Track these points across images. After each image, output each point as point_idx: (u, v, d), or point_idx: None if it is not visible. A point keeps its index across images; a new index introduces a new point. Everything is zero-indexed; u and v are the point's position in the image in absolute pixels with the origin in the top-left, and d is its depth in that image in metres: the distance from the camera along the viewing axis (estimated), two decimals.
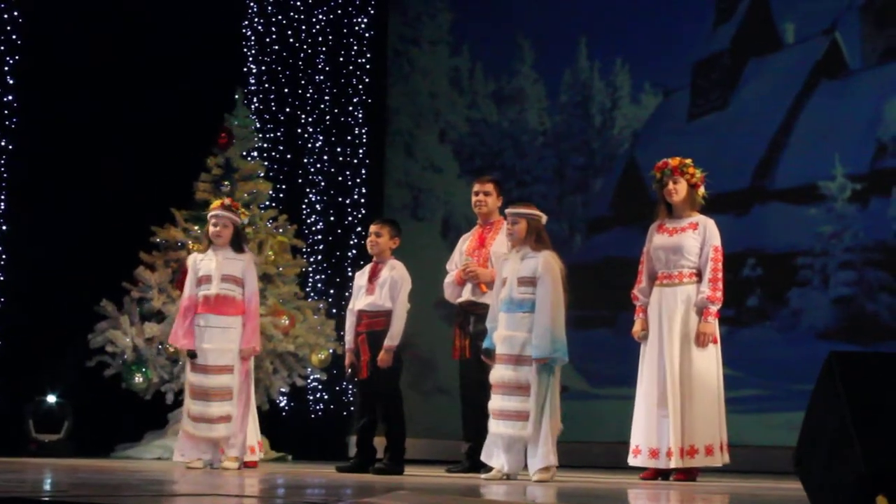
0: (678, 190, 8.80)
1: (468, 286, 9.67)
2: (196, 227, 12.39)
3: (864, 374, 5.44)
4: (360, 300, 9.58)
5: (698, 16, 13.07)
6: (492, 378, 8.40)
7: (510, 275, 8.40)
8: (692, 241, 8.72)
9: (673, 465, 8.45)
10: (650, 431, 8.61)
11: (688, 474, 8.57)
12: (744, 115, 12.63)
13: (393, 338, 9.38)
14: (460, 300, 9.76)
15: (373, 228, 9.69)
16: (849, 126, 11.91)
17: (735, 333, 12.11)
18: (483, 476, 8.43)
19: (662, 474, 8.64)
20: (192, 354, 9.59)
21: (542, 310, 8.21)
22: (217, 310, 9.58)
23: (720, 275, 8.67)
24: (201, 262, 9.73)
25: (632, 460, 8.71)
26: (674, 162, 8.81)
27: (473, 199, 9.86)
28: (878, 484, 5.14)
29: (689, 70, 13.07)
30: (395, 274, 9.49)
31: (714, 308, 8.61)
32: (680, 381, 8.55)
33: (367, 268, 9.70)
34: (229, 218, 9.75)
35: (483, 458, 8.49)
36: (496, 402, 8.32)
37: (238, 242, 9.78)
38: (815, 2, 12.28)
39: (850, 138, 11.89)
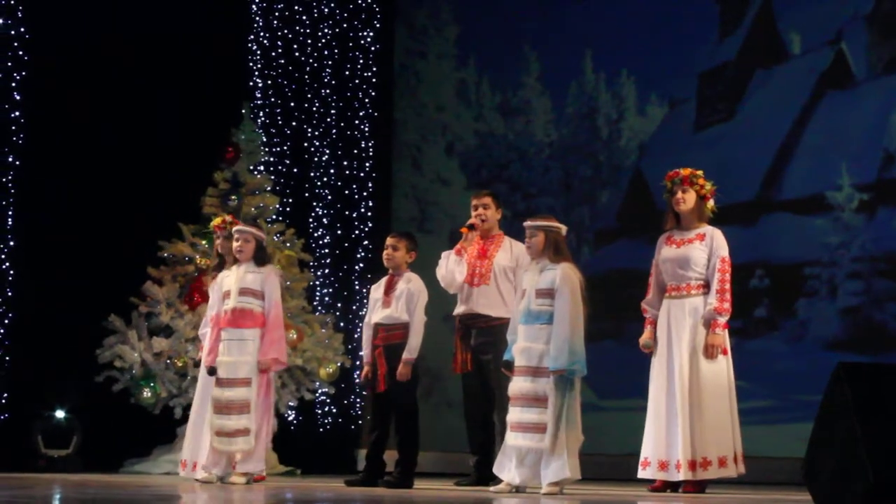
0: (686, 199, 8.79)
1: (472, 298, 9.66)
2: (203, 242, 12.40)
3: (872, 385, 5.45)
4: (376, 313, 9.55)
5: (704, 27, 13.07)
6: (510, 390, 8.38)
7: (529, 286, 8.39)
8: (699, 253, 8.71)
9: (682, 477, 8.44)
10: (659, 444, 8.60)
11: (697, 486, 8.55)
12: (750, 126, 12.63)
13: (412, 351, 9.37)
14: (460, 312, 9.77)
15: (389, 241, 9.66)
16: (855, 136, 11.91)
17: (743, 344, 12.09)
18: (492, 489, 8.43)
19: (672, 486, 8.62)
20: (211, 371, 9.64)
21: (561, 321, 8.20)
22: (235, 323, 9.62)
23: (728, 286, 8.65)
24: (225, 279, 9.80)
25: (641, 473, 8.70)
26: (685, 172, 8.82)
27: (473, 213, 9.87)
28: (887, 494, 5.14)
29: (695, 81, 13.08)
30: (412, 286, 9.47)
31: (722, 319, 8.60)
32: (689, 393, 8.54)
33: (383, 280, 9.66)
34: (251, 233, 9.81)
35: (495, 469, 8.47)
36: (514, 415, 8.30)
37: (261, 257, 9.81)
38: (820, 12, 12.28)
39: (856, 148, 11.89)
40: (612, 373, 12.20)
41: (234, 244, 9.77)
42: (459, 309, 9.82)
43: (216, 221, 10.29)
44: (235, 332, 9.61)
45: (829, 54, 12.19)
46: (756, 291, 12.25)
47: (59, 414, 12.50)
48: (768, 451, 11.45)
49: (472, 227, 9.79)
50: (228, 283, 9.74)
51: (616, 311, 12.25)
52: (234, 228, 9.91)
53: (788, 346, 12.06)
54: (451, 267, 9.73)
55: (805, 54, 12.39)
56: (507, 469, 8.32)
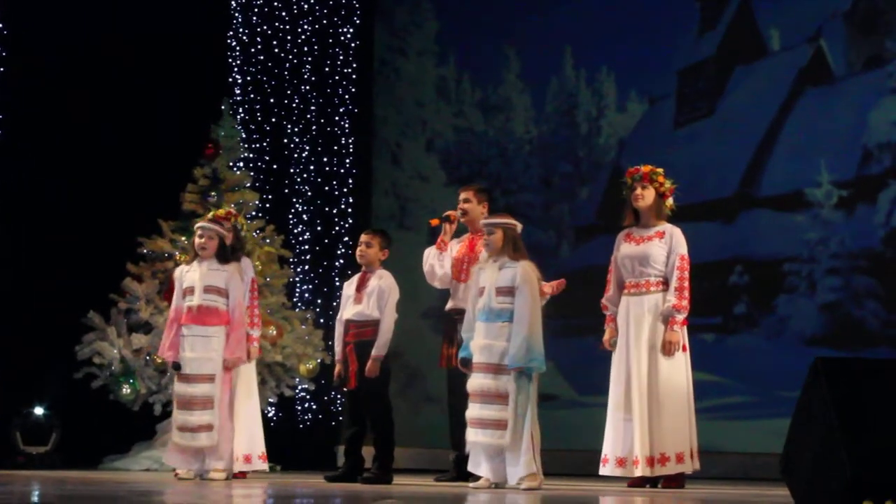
0: (645, 196, 8.84)
1: (459, 293, 9.65)
2: (183, 238, 12.37)
3: (849, 380, 5.46)
4: (347, 310, 9.59)
5: (683, 23, 13.09)
6: (469, 387, 8.42)
7: (488, 284, 8.41)
8: (658, 250, 8.75)
9: (639, 473, 8.48)
10: (618, 440, 8.65)
11: (677, 481, 8.58)
12: (730, 122, 12.65)
13: (380, 348, 9.39)
14: (448, 308, 9.77)
15: (363, 238, 9.70)
16: (834, 133, 11.94)
17: (722, 340, 12.12)
18: (471, 485, 8.44)
19: (651, 482, 8.65)
20: (176, 366, 9.65)
21: (520, 320, 8.24)
22: (199, 320, 9.61)
23: (686, 283, 8.69)
24: (186, 274, 9.79)
25: (601, 469, 8.74)
26: (645, 168, 8.88)
27: (458, 207, 9.90)
28: (864, 489, 5.15)
29: (674, 78, 13.09)
30: (383, 283, 9.50)
31: (680, 317, 8.63)
32: (648, 390, 8.59)
33: (356, 277, 9.70)
34: (215, 230, 9.79)
35: (470, 467, 8.49)
36: (474, 411, 8.34)
37: (224, 254, 9.80)
38: (799, 9, 12.31)
39: (835, 145, 11.92)
40: (593, 369, 12.21)
41: (198, 241, 9.78)
42: (449, 304, 9.83)
43: (220, 213, 10.28)
44: (200, 329, 9.61)
45: (808, 51, 12.22)
46: (736, 288, 12.27)
47: (38, 411, 12.45)
48: (748, 447, 11.48)
49: (446, 219, 9.82)
50: (191, 278, 9.73)
51: (596, 307, 12.26)
52: (198, 225, 9.93)
53: (768, 342, 12.08)
54: (432, 262, 9.77)
55: (784, 51, 12.42)
56: (483, 465, 8.34)
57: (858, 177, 11.76)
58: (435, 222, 9.90)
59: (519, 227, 8.54)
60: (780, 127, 12.30)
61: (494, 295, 8.35)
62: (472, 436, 8.31)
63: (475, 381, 8.36)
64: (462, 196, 9.90)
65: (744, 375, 11.93)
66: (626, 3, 13.43)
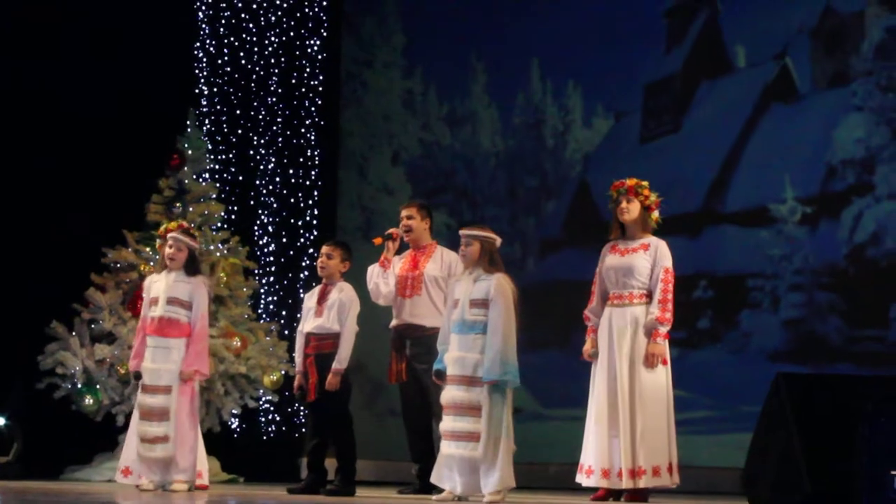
0: (630, 209, 8.85)
1: (405, 309, 9.66)
2: (147, 249, 12.34)
3: (810, 395, 5.49)
4: (308, 322, 9.57)
5: (650, 39, 13.12)
6: (443, 399, 8.38)
7: (462, 296, 8.39)
8: (643, 262, 8.76)
9: (624, 485, 8.47)
10: (601, 452, 8.62)
11: (639, 495, 8.58)
12: (695, 138, 12.68)
13: (341, 361, 9.36)
14: (394, 323, 9.76)
15: (324, 250, 9.69)
16: (799, 149, 11.99)
17: (686, 355, 12.14)
18: (434, 498, 8.42)
19: (613, 495, 8.65)
20: (137, 376, 9.62)
21: (494, 332, 8.21)
22: (161, 331, 9.57)
23: (670, 296, 8.70)
24: (154, 284, 9.76)
25: (585, 481, 8.71)
26: (630, 182, 8.88)
27: (400, 224, 9.90)
28: (824, 503, 5.18)
29: (640, 93, 13.12)
30: (344, 296, 9.48)
31: (663, 329, 8.64)
32: (629, 402, 8.58)
33: (317, 289, 9.69)
34: (185, 242, 9.77)
35: (433, 479, 8.46)
36: (447, 424, 8.29)
37: (191, 266, 9.77)
38: (765, 27, 12.36)
39: (800, 161, 11.97)
40: (558, 382, 12.25)
41: (167, 251, 9.75)
42: (394, 321, 9.82)
43: (172, 226, 10.25)
44: (161, 341, 9.56)
45: (773, 68, 12.27)
46: (700, 302, 12.30)
47: (0, 421, 12.40)
48: (710, 461, 11.50)
49: (389, 237, 9.82)
50: (157, 289, 9.69)
51: (561, 320, 12.28)
52: (169, 235, 9.87)
53: (731, 356, 12.11)
54: (376, 280, 9.76)
55: (750, 67, 12.47)
56: (447, 478, 8.31)
57: (822, 193, 11.82)
58: (378, 241, 9.91)
59: (498, 240, 8.51)
60: (745, 143, 12.34)
61: (468, 307, 8.33)
62: (446, 448, 8.26)
63: (448, 394, 8.33)
64: (404, 213, 9.91)
65: (707, 390, 11.95)
66: (594, 18, 13.45)
